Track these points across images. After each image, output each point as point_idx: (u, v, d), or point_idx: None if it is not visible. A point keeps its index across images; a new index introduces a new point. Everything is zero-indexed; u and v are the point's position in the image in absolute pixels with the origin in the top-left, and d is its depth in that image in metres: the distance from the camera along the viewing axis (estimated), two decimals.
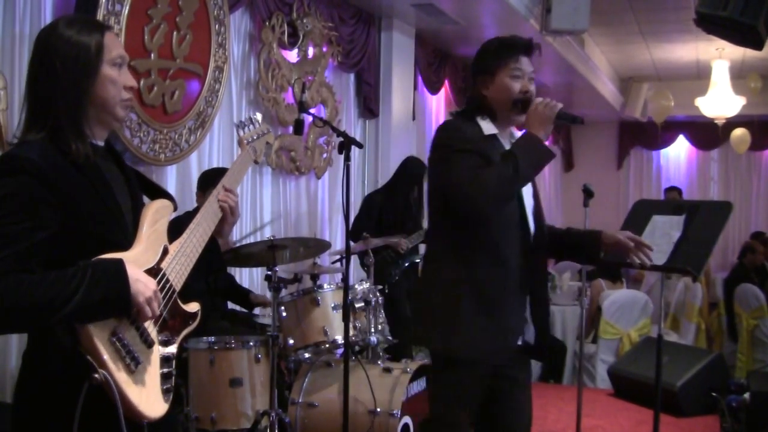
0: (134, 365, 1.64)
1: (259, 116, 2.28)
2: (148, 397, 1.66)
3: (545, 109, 2.43)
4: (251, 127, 2.20)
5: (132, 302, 1.62)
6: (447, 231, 2.53)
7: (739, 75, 9.46)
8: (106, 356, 1.58)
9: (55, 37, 1.73)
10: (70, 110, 1.70)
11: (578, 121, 2.57)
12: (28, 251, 1.58)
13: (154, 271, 1.74)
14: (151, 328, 1.72)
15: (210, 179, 4.03)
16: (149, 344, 1.70)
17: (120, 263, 1.63)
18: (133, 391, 1.62)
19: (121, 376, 1.60)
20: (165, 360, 1.75)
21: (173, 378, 1.77)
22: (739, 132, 10.21)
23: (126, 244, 1.74)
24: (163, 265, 1.78)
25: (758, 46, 3.23)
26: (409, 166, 5.43)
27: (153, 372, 1.70)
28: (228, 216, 2.01)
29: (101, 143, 1.82)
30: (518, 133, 2.62)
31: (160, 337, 1.75)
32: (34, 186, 1.61)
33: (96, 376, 1.56)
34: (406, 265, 5.30)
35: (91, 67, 1.72)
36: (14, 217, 1.58)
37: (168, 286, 1.77)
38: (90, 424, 1.62)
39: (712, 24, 3.22)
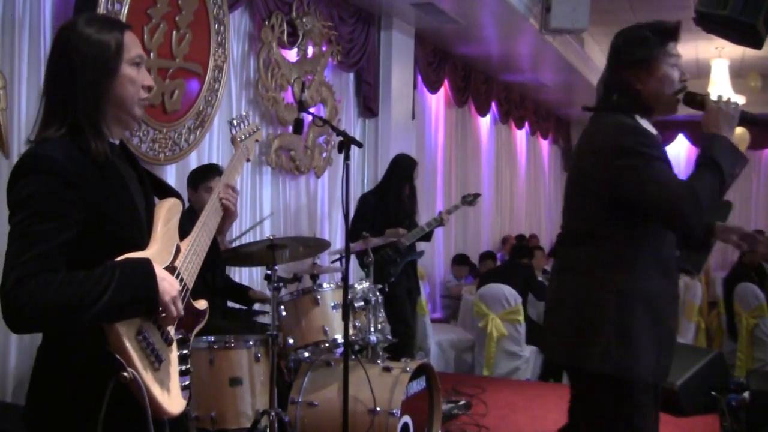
0: (158, 363, 1.66)
1: (249, 114, 2.29)
2: (171, 394, 1.68)
3: (729, 108, 2.20)
4: (243, 125, 2.24)
5: (159, 302, 1.63)
6: (619, 237, 2.21)
7: (739, 74, 9.47)
8: (134, 355, 1.59)
9: (76, 35, 1.72)
10: (88, 109, 1.70)
11: (760, 122, 2.34)
12: (54, 251, 1.58)
13: (169, 270, 1.75)
14: (170, 326, 1.74)
15: (200, 176, 4.06)
16: (169, 342, 1.72)
17: (148, 263, 1.64)
18: (157, 388, 1.64)
19: (148, 375, 1.62)
20: (182, 357, 1.77)
21: (190, 375, 1.80)
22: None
23: (142, 243, 1.75)
24: (177, 263, 1.79)
25: (758, 45, 3.22)
26: (400, 164, 5.42)
27: (173, 369, 1.72)
28: (231, 213, 2.05)
29: (116, 142, 1.83)
30: None
31: (176, 335, 1.77)
32: (60, 185, 1.61)
33: (125, 374, 1.57)
34: (406, 263, 5.29)
35: (111, 66, 1.72)
36: (40, 216, 1.58)
37: (183, 284, 1.78)
38: (113, 421, 1.62)
39: (712, 23, 3.21)
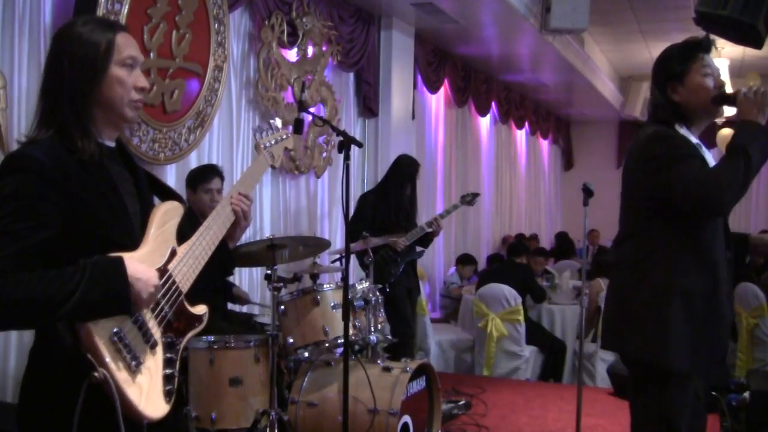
0: (135, 365, 1.63)
1: (278, 122, 2.29)
2: (149, 397, 1.65)
3: (758, 96, 2.32)
4: (269, 132, 2.21)
5: (131, 301, 1.62)
6: (657, 235, 2.40)
7: (739, 74, 9.47)
8: (105, 355, 1.58)
9: (68, 36, 1.72)
10: (75, 109, 1.70)
11: None
12: (30, 250, 1.57)
13: (159, 273, 1.73)
14: (155, 329, 1.71)
15: (199, 177, 4.07)
16: (152, 345, 1.70)
17: (119, 262, 1.62)
18: (132, 390, 1.61)
19: (121, 375, 1.59)
20: (168, 361, 1.74)
21: (176, 380, 1.76)
22: (726, 132, 10.14)
23: (131, 245, 1.73)
24: (170, 266, 1.77)
25: (758, 45, 3.22)
26: (401, 164, 5.41)
27: (155, 372, 1.69)
28: (241, 220, 2.02)
29: (111, 144, 1.81)
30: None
31: (164, 339, 1.74)
32: (38, 184, 1.61)
33: (96, 374, 1.56)
34: (406, 262, 5.29)
35: (98, 66, 1.71)
36: (16, 215, 1.58)
37: (174, 287, 1.77)
38: (91, 422, 1.62)
39: (712, 23, 3.21)
